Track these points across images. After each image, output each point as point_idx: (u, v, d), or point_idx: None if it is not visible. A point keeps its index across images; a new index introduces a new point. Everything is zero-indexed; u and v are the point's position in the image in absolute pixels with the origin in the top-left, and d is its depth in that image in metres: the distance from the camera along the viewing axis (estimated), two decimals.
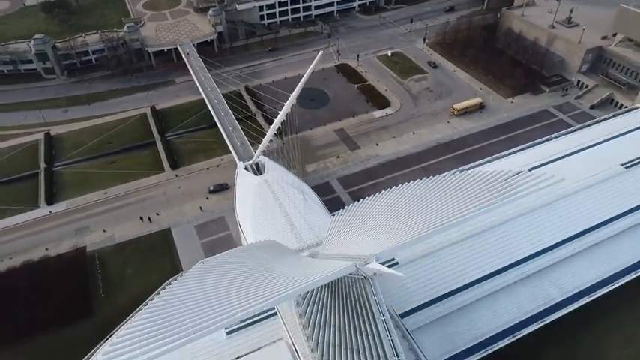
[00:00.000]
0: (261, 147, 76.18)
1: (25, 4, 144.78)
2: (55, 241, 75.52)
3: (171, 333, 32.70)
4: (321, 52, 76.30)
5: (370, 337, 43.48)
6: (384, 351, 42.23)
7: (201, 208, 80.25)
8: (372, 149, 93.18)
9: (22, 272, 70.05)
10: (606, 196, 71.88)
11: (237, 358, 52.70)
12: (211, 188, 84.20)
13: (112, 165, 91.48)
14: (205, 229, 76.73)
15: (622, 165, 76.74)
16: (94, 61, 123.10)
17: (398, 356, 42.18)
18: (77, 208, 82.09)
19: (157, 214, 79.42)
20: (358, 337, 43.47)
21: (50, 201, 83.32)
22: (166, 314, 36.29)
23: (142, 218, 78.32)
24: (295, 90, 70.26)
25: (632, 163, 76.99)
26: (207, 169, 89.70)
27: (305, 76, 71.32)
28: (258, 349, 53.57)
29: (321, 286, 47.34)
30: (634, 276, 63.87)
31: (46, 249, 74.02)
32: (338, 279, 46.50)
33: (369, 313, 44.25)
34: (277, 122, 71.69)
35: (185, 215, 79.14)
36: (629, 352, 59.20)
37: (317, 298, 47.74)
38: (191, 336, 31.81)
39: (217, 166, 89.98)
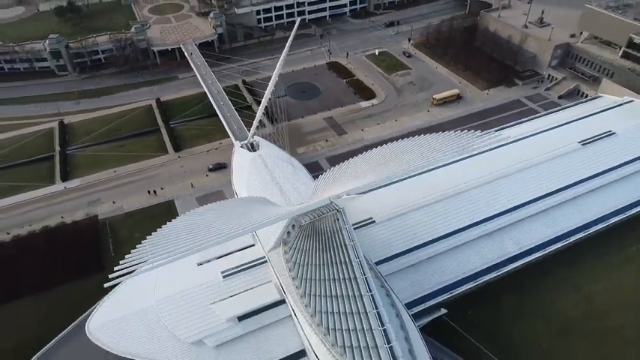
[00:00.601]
0: (254, 124, 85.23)
1: (38, 9, 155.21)
2: (69, 211, 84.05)
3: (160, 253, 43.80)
4: (297, 22, 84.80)
5: (347, 276, 51.55)
6: (358, 288, 50.49)
7: (192, 184, 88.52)
8: (358, 134, 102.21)
9: (41, 236, 78.45)
10: (563, 167, 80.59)
11: (232, 295, 60.83)
12: (211, 167, 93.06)
13: (120, 148, 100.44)
14: (205, 200, 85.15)
15: (579, 142, 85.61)
16: (103, 60, 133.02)
17: (371, 291, 50.64)
18: (89, 184, 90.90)
19: (162, 189, 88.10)
20: (337, 274, 51.36)
21: (65, 178, 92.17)
22: (159, 242, 47.65)
23: (149, 192, 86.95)
24: (278, 65, 79.54)
25: (588, 141, 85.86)
26: (207, 151, 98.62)
27: (285, 51, 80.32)
28: (250, 288, 61.74)
29: (305, 235, 55.67)
30: (583, 235, 72.37)
31: (62, 217, 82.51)
32: (318, 228, 54.25)
33: (346, 256, 52.31)
34: (266, 98, 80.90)
35: (187, 189, 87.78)
36: (576, 300, 67.09)
37: (301, 245, 56.41)
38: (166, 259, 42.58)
39: (216, 149, 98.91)
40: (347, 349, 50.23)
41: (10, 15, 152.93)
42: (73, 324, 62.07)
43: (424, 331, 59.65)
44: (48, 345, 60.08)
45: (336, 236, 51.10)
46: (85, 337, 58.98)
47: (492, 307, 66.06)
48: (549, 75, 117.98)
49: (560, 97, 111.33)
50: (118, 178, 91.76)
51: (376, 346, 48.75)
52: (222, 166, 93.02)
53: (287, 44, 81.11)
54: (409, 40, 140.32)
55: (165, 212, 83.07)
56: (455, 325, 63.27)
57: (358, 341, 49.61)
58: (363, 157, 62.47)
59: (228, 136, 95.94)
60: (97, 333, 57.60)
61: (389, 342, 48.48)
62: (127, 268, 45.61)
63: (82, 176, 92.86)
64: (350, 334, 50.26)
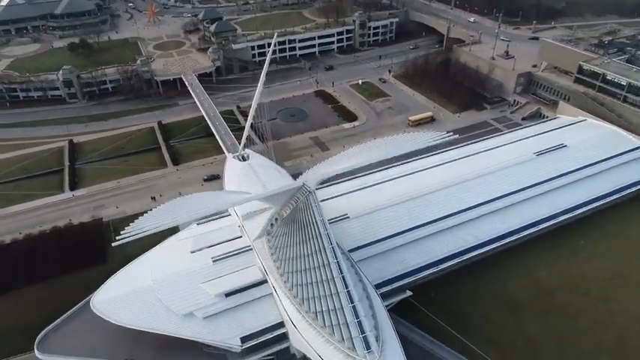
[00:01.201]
0: (244, 138, 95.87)
1: (52, 46, 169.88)
2: (77, 215, 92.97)
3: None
4: (269, 56, 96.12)
5: (321, 261, 59.43)
6: (331, 271, 58.90)
7: (180, 193, 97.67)
8: (340, 150, 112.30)
9: (51, 234, 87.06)
10: (518, 174, 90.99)
11: (220, 276, 69.20)
12: (205, 177, 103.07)
13: (124, 163, 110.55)
14: None
15: (534, 153, 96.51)
16: (110, 89, 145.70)
17: (342, 273, 59.21)
18: (95, 192, 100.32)
19: (160, 195, 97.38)
20: (313, 261, 59.59)
21: (73, 187, 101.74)
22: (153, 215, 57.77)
23: (152, 197, 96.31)
24: (262, 75, 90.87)
25: (542, 152, 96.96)
26: (203, 165, 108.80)
27: (262, 76, 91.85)
28: (237, 271, 70.22)
29: (285, 223, 64.91)
30: (534, 230, 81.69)
31: (70, 220, 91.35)
32: (296, 217, 63.03)
33: (321, 244, 60.05)
34: (251, 114, 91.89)
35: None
36: (525, 283, 75.33)
37: (282, 234, 65.68)
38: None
39: (211, 163, 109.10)
40: (318, 314, 58.64)
41: (27, 51, 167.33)
42: (77, 305, 69.72)
43: (393, 310, 67.85)
44: (55, 321, 67.50)
45: (312, 226, 59.63)
46: (86, 315, 67.13)
47: (452, 290, 74.10)
48: (514, 100, 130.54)
49: (523, 119, 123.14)
50: (121, 187, 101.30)
51: (342, 307, 57.04)
52: (215, 177, 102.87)
53: (263, 72, 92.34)
54: (389, 71, 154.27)
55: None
56: (419, 305, 71.10)
57: (327, 305, 57.97)
58: (338, 155, 73.25)
59: (223, 152, 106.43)
60: (100, 307, 65.37)
61: (352, 301, 56.93)
62: (129, 233, 54.87)
63: (89, 186, 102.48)
64: (321, 300, 58.71)
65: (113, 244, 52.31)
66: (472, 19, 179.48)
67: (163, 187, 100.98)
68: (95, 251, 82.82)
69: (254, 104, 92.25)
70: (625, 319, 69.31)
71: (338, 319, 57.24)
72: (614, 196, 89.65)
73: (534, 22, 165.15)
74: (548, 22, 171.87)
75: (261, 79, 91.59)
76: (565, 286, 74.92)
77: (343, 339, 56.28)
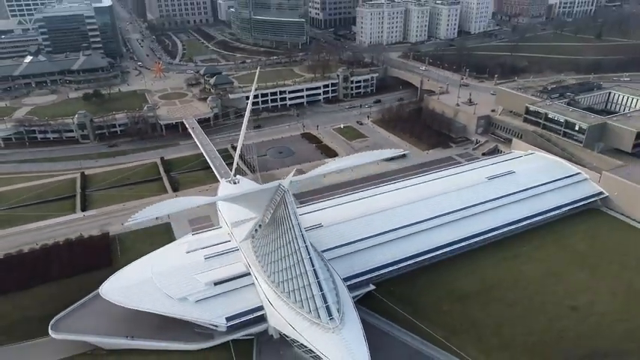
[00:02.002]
0: (234, 165, 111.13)
1: (68, 96, 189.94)
2: (86, 230, 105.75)
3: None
4: (249, 105, 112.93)
5: (296, 259, 72.64)
6: (300, 255, 72.32)
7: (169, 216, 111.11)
8: (320, 179, 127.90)
9: (64, 245, 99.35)
10: (471, 193, 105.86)
11: (210, 270, 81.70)
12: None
13: (129, 191, 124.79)
14: (195, 222, 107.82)
15: (486, 178, 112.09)
16: (119, 132, 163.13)
17: (309, 254, 72.64)
18: (103, 213, 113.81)
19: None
20: (290, 260, 72.74)
21: (84, 209, 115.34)
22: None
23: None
24: (246, 113, 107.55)
25: (493, 177, 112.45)
26: (199, 191, 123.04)
27: (245, 121, 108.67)
28: (225, 265, 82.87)
29: (267, 225, 78.89)
30: (481, 238, 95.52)
31: (81, 233, 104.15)
32: (276, 218, 77.20)
33: (297, 245, 73.32)
34: (241, 137, 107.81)
35: (181, 215, 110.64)
36: (472, 280, 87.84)
37: (263, 234, 79.64)
38: None
39: (207, 190, 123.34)
40: (290, 292, 71.17)
41: (45, 100, 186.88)
42: (86, 297, 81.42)
43: (359, 302, 79.96)
44: (66, 309, 78.90)
45: (287, 222, 73.65)
46: (94, 305, 79.05)
47: (410, 285, 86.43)
48: (476, 139, 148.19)
49: (483, 154, 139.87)
50: (126, 209, 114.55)
51: (309, 283, 69.66)
52: None
53: (245, 116, 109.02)
54: (368, 117, 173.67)
55: (164, 231, 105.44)
56: (381, 297, 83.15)
57: (298, 284, 70.64)
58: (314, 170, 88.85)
59: (217, 181, 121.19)
60: (108, 293, 77.24)
61: (317, 277, 69.71)
62: (136, 217, 68.71)
63: (98, 208, 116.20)
64: (293, 280, 71.48)
65: (124, 224, 65.62)
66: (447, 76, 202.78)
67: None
68: (102, 257, 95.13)
69: (241, 136, 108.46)
70: (554, 307, 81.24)
71: (306, 294, 69.75)
72: (553, 213, 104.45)
73: (496, 76, 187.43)
74: (512, 77, 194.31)
75: (246, 114, 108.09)
76: (506, 282, 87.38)
77: (310, 310, 68.58)
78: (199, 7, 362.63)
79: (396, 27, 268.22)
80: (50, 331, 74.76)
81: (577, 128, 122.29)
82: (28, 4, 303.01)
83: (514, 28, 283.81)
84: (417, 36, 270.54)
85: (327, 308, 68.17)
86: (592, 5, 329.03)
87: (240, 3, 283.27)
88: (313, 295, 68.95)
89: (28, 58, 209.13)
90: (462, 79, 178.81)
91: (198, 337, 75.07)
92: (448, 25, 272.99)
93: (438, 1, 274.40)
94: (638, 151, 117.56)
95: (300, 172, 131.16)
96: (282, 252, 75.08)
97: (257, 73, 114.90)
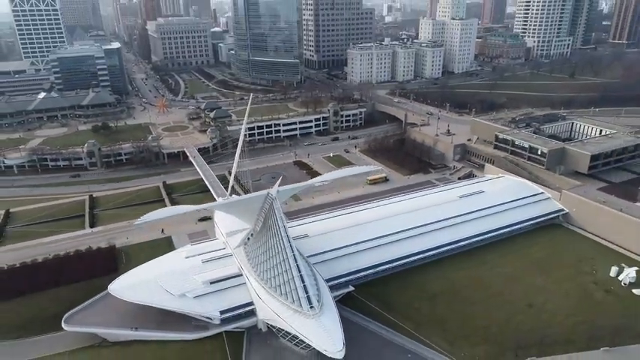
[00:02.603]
0: (230, 185, 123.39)
1: (78, 129, 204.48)
2: (95, 244, 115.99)
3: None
4: (242, 134, 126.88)
5: (286, 266, 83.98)
6: (285, 254, 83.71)
7: (162, 230, 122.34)
8: (309, 200, 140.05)
9: (74, 255, 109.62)
10: (444, 209, 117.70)
11: (207, 271, 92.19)
12: (199, 218, 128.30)
13: (134, 210, 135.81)
14: (194, 237, 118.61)
15: (458, 196, 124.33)
16: (124, 160, 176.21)
17: (300, 272, 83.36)
18: (110, 229, 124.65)
19: (162, 230, 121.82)
20: (278, 266, 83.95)
21: (92, 225, 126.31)
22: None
23: (162, 230, 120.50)
24: (241, 134, 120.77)
25: (465, 195, 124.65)
26: (198, 210, 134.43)
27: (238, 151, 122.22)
28: (220, 267, 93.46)
29: (258, 233, 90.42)
30: (450, 247, 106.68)
31: (90, 246, 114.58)
32: (265, 225, 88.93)
33: (286, 253, 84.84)
34: (236, 157, 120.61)
35: (182, 231, 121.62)
36: (441, 282, 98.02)
37: (255, 241, 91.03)
38: None
39: (205, 209, 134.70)
40: (277, 287, 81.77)
41: (57, 132, 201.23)
42: (94, 297, 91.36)
43: (339, 301, 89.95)
44: (77, 307, 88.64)
45: (274, 227, 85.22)
46: (102, 303, 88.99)
47: (385, 287, 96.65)
48: (453, 165, 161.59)
49: (459, 179, 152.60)
50: (131, 226, 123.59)
51: (293, 277, 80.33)
52: (208, 218, 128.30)
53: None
54: (355, 147, 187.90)
55: (165, 244, 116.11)
56: (359, 297, 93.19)
57: (283, 279, 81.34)
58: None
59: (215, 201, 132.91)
60: (115, 291, 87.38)
61: (299, 271, 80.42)
62: (143, 219, 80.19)
63: (105, 225, 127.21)
64: (279, 276, 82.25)
65: (134, 223, 76.82)
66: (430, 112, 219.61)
67: (165, 224, 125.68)
68: (108, 266, 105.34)
69: (236, 157, 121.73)
70: (512, 306, 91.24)
71: (290, 286, 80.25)
72: (517, 227, 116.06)
73: (474, 110, 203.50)
74: (490, 112, 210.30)
75: (240, 136, 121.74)
76: (471, 285, 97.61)
77: (294, 300, 78.84)
78: (201, 50, 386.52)
79: (384, 67, 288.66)
80: (63, 324, 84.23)
81: (539, 153, 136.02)
82: (41, 48, 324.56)
83: (494, 68, 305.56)
84: (404, 75, 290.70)
85: (308, 298, 78.46)
86: (568, 48, 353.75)
87: (240, 45, 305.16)
88: (296, 288, 79.39)
89: (42, 94, 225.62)
90: (440, 112, 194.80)
91: (195, 329, 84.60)
92: (433, 65, 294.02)
93: (423, 44, 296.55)
94: (593, 172, 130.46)
95: (292, 196, 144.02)
96: (270, 253, 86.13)
97: (250, 99, 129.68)
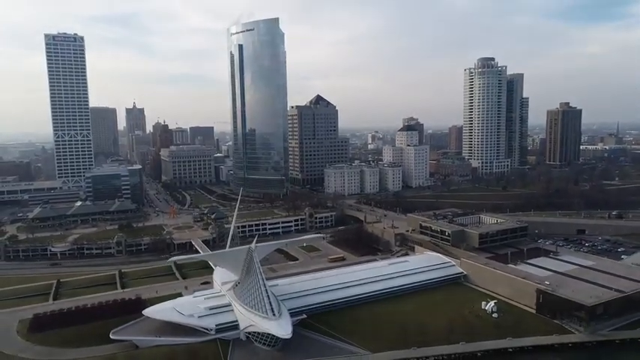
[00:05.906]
0: (228, 243, 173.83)
1: (106, 228, 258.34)
2: (126, 297, 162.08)
3: None
4: (232, 229, 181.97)
5: (262, 303, 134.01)
6: (262, 294, 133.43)
7: (186, 287, 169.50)
8: (284, 272, 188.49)
9: (112, 302, 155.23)
10: (376, 271, 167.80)
11: (207, 303, 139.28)
12: (201, 282, 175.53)
13: (152, 279, 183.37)
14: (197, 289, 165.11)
15: (388, 264, 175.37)
16: (143, 249, 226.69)
17: (268, 295, 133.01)
18: (136, 290, 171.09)
19: (175, 290, 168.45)
20: (256, 301, 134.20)
21: (123, 287, 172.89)
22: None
23: (186, 287, 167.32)
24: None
25: (393, 263, 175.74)
26: (200, 280, 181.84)
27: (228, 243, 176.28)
28: (216, 301, 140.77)
29: (242, 280, 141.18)
30: (378, 294, 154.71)
31: (123, 297, 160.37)
32: (247, 272, 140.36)
33: (262, 293, 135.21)
34: (233, 224, 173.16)
35: (189, 291, 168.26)
36: (366, 313, 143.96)
37: (240, 284, 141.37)
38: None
39: (205, 278, 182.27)
40: (252, 306, 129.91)
41: (89, 231, 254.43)
42: (129, 322, 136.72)
43: (297, 325, 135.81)
44: (119, 327, 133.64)
45: (254, 275, 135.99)
46: (135, 326, 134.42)
47: (337, 316, 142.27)
48: (395, 249, 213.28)
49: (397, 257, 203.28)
50: (152, 287, 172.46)
51: (262, 299, 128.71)
52: (207, 282, 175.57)
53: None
54: (324, 238, 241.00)
55: (178, 295, 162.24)
56: (310, 321, 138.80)
57: (256, 301, 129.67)
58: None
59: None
60: (148, 313, 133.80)
61: (268, 297, 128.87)
62: (174, 258, 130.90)
63: (132, 288, 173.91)
64: (255, 300, 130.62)
65: (168, 260, 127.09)
66: (385, 214, 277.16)
67: (176, 287, 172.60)
68: (136, 307, 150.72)
69: (231, 232, 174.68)
70: (409, 325, 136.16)
71: (261, 304, 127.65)
72: (428, 282, 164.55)
73: (415, 211, 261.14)
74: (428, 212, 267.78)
75: (232, 226, 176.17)
76: (386, 314, 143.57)
77: (263, 311, 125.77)
78: (205, 171, 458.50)
79: (354, 182, 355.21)
80: (111, 334, 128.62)
81: (447, 234, 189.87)
82: (73, 169, 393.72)
83: (443, 183, 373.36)
84: (370, 188, 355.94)
85: (272, 309, 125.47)
86: (507, 167, 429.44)
87: (237, 166, 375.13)
88: (265, 304, 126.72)
89: (79, 203, 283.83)
90: (385, 215, 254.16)
91: (199, 335, 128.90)
92: (394, 180, 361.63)
93: (385, 165, 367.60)
94: (485, 246, 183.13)
95: (271, 270, 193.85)
96: (249, 288, 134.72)
97: (238, 200, 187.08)
